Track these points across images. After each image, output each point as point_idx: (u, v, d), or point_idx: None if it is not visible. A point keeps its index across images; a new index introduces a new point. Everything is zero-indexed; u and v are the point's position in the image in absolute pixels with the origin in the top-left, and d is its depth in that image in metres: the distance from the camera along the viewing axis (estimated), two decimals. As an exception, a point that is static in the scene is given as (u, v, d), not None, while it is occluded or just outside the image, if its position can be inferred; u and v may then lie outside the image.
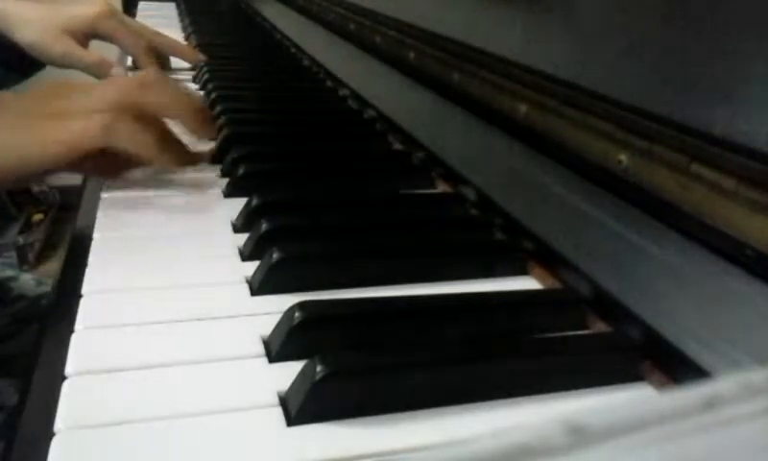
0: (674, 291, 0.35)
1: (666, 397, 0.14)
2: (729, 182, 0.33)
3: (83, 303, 0.40)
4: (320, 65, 1.03)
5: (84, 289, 0.41)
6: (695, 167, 0.35)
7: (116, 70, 0.91)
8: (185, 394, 0.32)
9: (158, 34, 1.00)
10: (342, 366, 0.32)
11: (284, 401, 0.32)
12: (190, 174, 0.61)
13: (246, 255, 0.46)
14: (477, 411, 0.33)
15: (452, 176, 0.59)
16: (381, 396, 0.32)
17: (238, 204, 0.53)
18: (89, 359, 0.35)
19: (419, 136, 0.66)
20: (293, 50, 1.21)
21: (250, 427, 0.31)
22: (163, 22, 1.37)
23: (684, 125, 0.35)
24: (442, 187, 0.61)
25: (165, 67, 1.01)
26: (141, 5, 1.74)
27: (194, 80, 0.99)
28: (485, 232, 0.51)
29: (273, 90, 0.94)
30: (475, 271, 0.45)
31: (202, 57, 1.04)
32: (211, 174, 0.61)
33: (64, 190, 2.52)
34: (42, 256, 2.33)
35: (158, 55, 0.99)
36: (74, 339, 0.36)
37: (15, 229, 2.33)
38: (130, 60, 1.01)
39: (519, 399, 0.34)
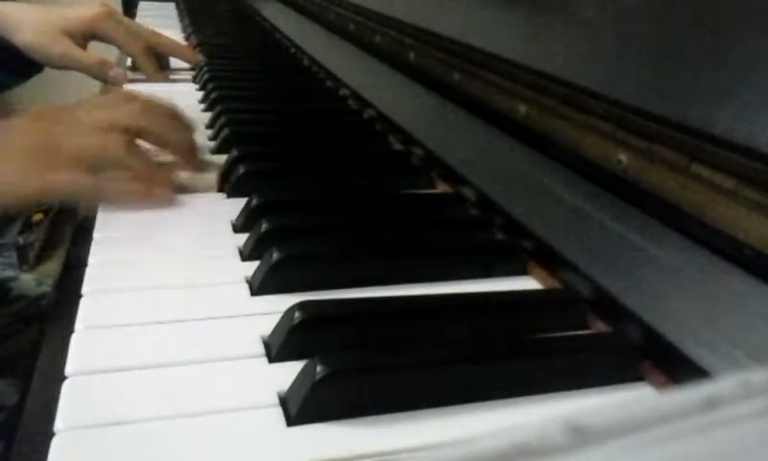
0: (674, 291, 0.35)
1: (666, 397, 0.14)
2: (729, 182, 0.33)
3: (83, 303, 0.40)
4: (320, 65, 1.03)
5: (84, 289, 0.41)
6: (695, 167, 0.35)
7: (115, 71, 0.91)
8: (185, 394, 0.32)
9: (157, 34, 1.00)
10: (342, 366, 0.32)
11: (284, 401, 0.32)
12: (190, 174, 0.61)
13: (246, 255, 0.46)
14: (477, 411, 0.33)
15: (452, 176, 0.59)
16: (381, 396, 0.32)
17: (238, 204, 0.53)
18: (89, 359, 0.35)
19: (419, 136, 0.66)
20: (293, 50, 1.21)
21: (250, 427, 0.31)
22: (163, 22, 1.37)
23: (684, 125, 0.35)
24: (442, 187, 0.61)
25: (164, 67, 1.01)
26: (141, 5, 1.74)
27: (194, 80, 0.99)
28: (485, 232, 0.51)
29: (273, 90, 0.94)
30: (475, 271, 0.45)
31: (201, 57, 1.04)
32: (211, 174, 0.61)
33: (64, 190, 2.51)
34: (42, 256, 2.32)
35: (158, 55, 0.99)
36: (74, 339, 0.36)
37: (15, 229, 2.32)
38: (129, 61, 1.01)
39: (519, 399, 0.34)
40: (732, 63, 0.32)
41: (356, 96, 0.85)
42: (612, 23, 0.41)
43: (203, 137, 0.72)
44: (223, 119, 0.73)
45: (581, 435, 0.13)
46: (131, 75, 0.96)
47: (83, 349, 0.36)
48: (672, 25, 0.36)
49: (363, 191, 0.59)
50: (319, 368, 0.31)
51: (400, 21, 0.73)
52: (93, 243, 0.47)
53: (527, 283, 0.45)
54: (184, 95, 0.90)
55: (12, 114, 0.56)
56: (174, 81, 0.99)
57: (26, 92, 1.07)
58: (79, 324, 0.38)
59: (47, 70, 0.94)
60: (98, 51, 0.94)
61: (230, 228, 0.51)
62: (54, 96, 1.09)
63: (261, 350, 0.36)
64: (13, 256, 2.20)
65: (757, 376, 0.14)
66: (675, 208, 0.36)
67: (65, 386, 0.33)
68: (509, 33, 0.51)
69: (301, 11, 1.25)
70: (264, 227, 0.46)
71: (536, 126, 0.49)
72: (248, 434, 0.30)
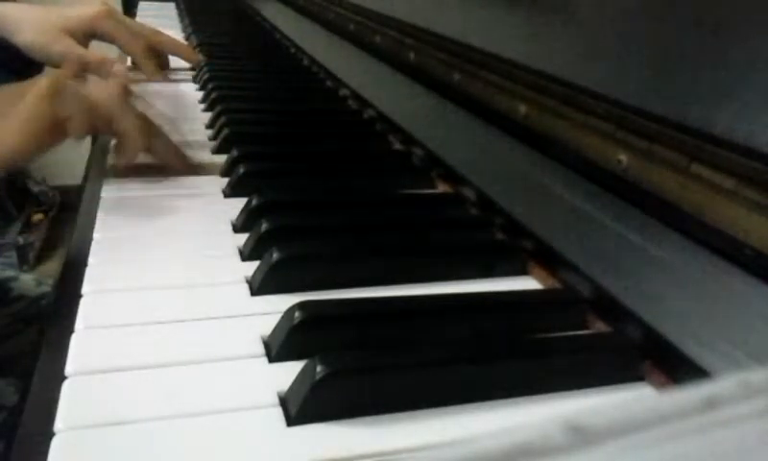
0: (674, 291, 0.35)
1: (666, 397, 0.14)
2: (729, 182, 0.33)
3: (83, 303, 0.40)
4: (320, 65, 1.03)
5: (84, 289, 0.41)
6: (695, 167, 0.35)
7: (117, 68, 0.91)
8: (185, 394, 0.32)
9: (158, 32, 1.00)
10: (342, 366, 0.32)
11: (284, 401, 0.32)
12: (190, 174, 0.61)
13: (246, 255, 0.46)
14: (477, 411, 0.33)
15: (452, 176, 0.59)
16: (381, 396, 0.32)
17: (238, 204, 0.53)
18: (89, 359, 0.35)
19: (419, 136, 0.66)
20: (293, 50, 1.21)
21: (250, 427, 0.31)
22: (163, 22, 1.37)
23: (684, 125, 0.35)
24: (442, 187, 0.61)
25: (164, 67, 1.01)
26: (141, 5, 1.74)
27: (194, 80, 0.99)
28: (485, 232, 0.51)
29: (273, 90, 0.94)
30: (475, 271, 0.45)
31: (201, 57, 1.04)
32: (211, 174, 0.61)
33: (64, 190, 2.52)
34: (42, 256, 2.33)
35: (158, 54, 0.99)
36: (74, 339, 0.36)
37: (15, 229, 2.33)
38: (129, 60, 1.01)
39: (519, 399, 0.34)
40: (732, 63, 0.32)
41: (356, 96, 0.85)
42: (612, 23, 0.41)
43: (203, 137, 0.72)
44: (223, 119, 0.73)
45: (581, 435, 0.13)
46: (131, 74, 0.96)
47: (83, 349, 0.36)
48: (672, 25, 0.36)
49: (363, 191, 0.59)
50: (319, 368, 0.31)
51: (400, 21, 0.73)
52: (93, 243, 0.47)
53: (527, 283, 0.45)
54: (184, 95, 0.90)
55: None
56: (174, 80, 0.99)
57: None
58: (79, 324, 0.38)
59: (46, 69, 0.93)
60: (99, 50, 0.94)
61: (230, 228, 0.51)
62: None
63: (261, 350, 0.36)
64: (13, 256, 2.20)
65: (757, 376, 0.14)
66: (675, 208, 0.36)
67: (65, 386, 0.33)
68: (509, 33, 0.51)
69: (301, 11, 1.25)
70: (264, 227, 0.46)
71: (536, 126, 0.49)
72: (248, 434, 0.30)
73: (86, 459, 0.29)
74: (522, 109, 0.50)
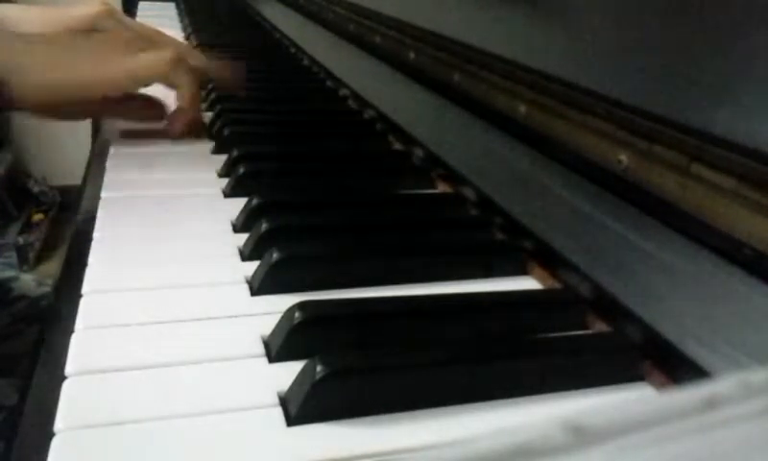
0: (674, 291, 0.35)
1: (666, 397, 0.14)
2: (729, 182, 0.33)
3: (83, 303, 0.40)
4: (320, 65, 1.03)
5: (84, 289, 0.41)
6: (695, 167, 0.35)
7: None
8: (185, 394, 0.32)
9: (160, 32, 1.00)
10: (342, 366, 0.32)
11: (284, 401, 0.32)
12: (190, 174, 0.61)
13: (246, 255, 0.46)
14: (477, 411, 0.33)
15: (452, 176, 0.59)
16: (381, 396, 0.32)
17: (238, 204, 0.53)
18: (89, 359, 0.35)
19: (419, 136, 0.66)
20: (293, 50, 1.21)
21: (250, 427, 0.31)
22: (163, 22, 1.37)
23: (684, 125, 0.35)
24: (442, 187, 0.61)
25: None
26: (141, 5, 1.74)
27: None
28: (485, 232, 0.51)
29: (273, 90, 0.94)
30: (475, 271, 0.45)
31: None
32: (211, 174, 0.61)
33: (64, 190, 2.52)
34: (42, 256, 2.33)
35: None
36: (74, 339, 0.36)
37: (15, 229, 2.33)
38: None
39: (519, 399, 0.34)
40: (732, 63, 0.32)
41: (356, 96, 0.85)
42: (612, 23, 0.41)
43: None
44: (223, 119, 0.73)
45: (581, 435, 0.13)
46: None
47: (83, 349, 0.36)
48: (672, 25, 0.36)
49: (363, 191, 0.59)
50: (319, 368, 0.31)
51: (400, 21, 0.73)
52: (93, 243, 0.47)
53: (527, 283, 0.45)
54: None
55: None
56: None
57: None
58: (79, 324, 0.38)
59: None
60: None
61: (230, 228, 0.51)
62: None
63: (261, 350, 0.36)
64: (13, 256, 2.20)
65: (757, 376, 0.14)
66: (675, 208, 0.36)
67: (65, 386, 0.33)
68: (509, 33, 0.51)
69: (301, 11, 1.25)
70: (264, 227, 0.46)
71: (536, 126, 0.49)
72: (248, 434, 0.30)
73: (86, 459, 0.29)
74: (522, 109, 0.50)
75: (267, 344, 0.36)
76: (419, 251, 0.46)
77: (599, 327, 0.40)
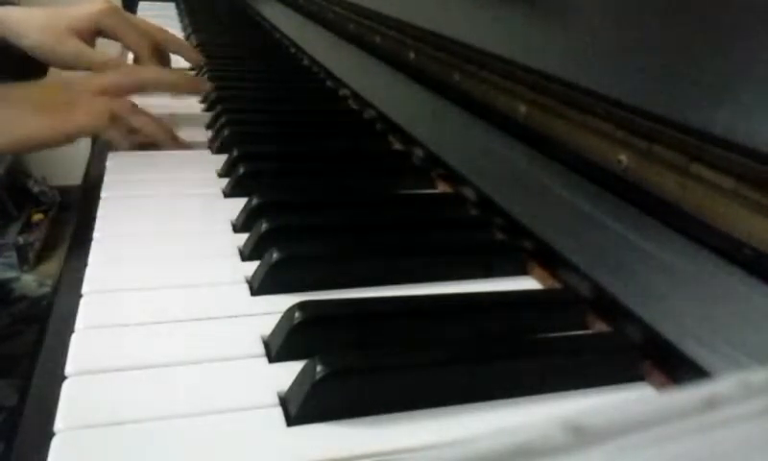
0: (674, 291, 0.35)
1: (666, 397, 0.14)
2: (729, 182, 0.33)
3: (83, 303, 0.40)
4: (320, 65, 1.03)
5: (84, 289, 0.41)
6: (695, 167, 0.35)
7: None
8: (185, 394, 0.32)
9: (163, 30, 1.00)
10: (342, 366, 0.32)
11: (284, 401, 0.32)
12: (190, 174, 0.61)
13: (246, 255, 0.46)
14: (477, 411, 0.33)
15: (452, 176, 0.59)
16: (381, 396, 0.32)
17: (238, 204, 0.53)
18: (89, 359, 0.35)
19: (419, 137, 0.66)
20: (293, 50, 1.21)
21: (250, 427, 0.31)
22: (163, 22, 1.37)
23: (684, 125, 0.35)
24: (442, 187, 0.61)
25: (166, 65, 1.01)
26: (141, 5, 1.74)
27: (194, 80, 0.98)
28: (485, 232, 0.51)
29: (273, 90, 0.94)
30: (475, 271, 0.45)
31: (202, 57, 1.04)
32: (211, 174, 0.61)
33: (64, 190, 2.52)
34: (42, 256, 2.33)
35: (160, 53, 0.98)
36: (74, 339, 0.36)
37: (15, 229, 2.33)
38: (130, 57, 1.01)
39: (519, 399, 0.34)
40: (732, 63, 0.32)
41: (356, 96, 0.85)
42: (612, 23, 0.41)
43: (203, 137, 0.72)
44: (223, 119, 0.73)
45: (581, 435, 0.13)
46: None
47: (83, 349, 0.36)
48: (672, 25, 0.36)
49: (363, 191, 0.59)
50: (319, 368, 0.31)
51: (400, 21, 0.73)
52: (93, 243, 0.47)
53: (527, 283, 0.45)
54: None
55: None
56: None
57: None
58: (79, 324, 0.38)
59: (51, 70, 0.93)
60: (100, 47, 0.94)
61: (230, 228, 0.51)
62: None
63: (261, 350, 0.36)
64: (13, 256, 2.20)
65: (757, 376, 0.14)
66: (675, 208, 0.36)
67: (65, 386, 0.33)
68: (509, 33, 0.51)
69: (301, 11, 1.25)
70: (264, 227, 0.46)
71: (536, 126, 0.49)
72: (248, 434, 0.30)
73: (86, 459, 0.29)
74: (522, 109, 0.50)
75: (267, 344, 0.36)
76: (419, 251, 0.46)
77: (599, 327, 0.40)
